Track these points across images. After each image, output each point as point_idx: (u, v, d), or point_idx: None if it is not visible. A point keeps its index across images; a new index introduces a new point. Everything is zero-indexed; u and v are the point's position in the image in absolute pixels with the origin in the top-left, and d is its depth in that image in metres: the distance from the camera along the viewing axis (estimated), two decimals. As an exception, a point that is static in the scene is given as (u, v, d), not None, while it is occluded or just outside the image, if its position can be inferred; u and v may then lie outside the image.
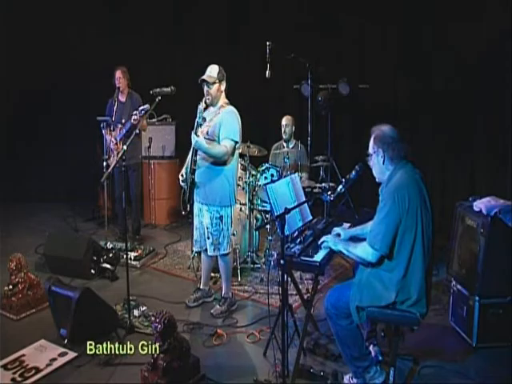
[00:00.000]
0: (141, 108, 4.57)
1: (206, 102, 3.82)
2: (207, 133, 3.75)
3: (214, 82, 3.76)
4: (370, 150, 2.79)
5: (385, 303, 2.68)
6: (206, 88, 3.78)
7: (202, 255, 4.15)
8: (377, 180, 2.85)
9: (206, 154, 3.72)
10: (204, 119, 3.74)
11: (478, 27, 5.21)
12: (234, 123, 3.78)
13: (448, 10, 5.51)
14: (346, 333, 2.82)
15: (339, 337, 2.88)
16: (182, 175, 3.96)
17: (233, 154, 3.81)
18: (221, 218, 3.84)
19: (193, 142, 3.65)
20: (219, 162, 3.76)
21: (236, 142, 3.79)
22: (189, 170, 3.84)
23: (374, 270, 2.73)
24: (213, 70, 3.79)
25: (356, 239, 3.03)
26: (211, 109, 3.88)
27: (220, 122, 3.74)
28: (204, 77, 3.76)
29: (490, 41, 5.14)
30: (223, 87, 3.84)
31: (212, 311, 3.97)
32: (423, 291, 2.66)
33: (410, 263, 2.64)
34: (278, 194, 3.27)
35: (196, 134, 3.67)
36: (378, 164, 2.77)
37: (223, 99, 3.87)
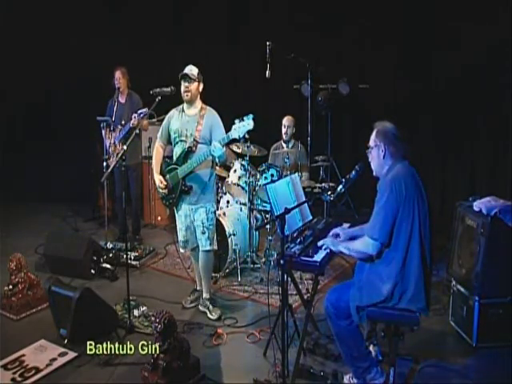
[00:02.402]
0: (139, 111, 4.58)
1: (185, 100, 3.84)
2: (199, 138, 3.77)
3: (195, 80, 3.78)
4: (371, 143, 2.82)
5: (383, 297, 2.68)
6: (185, 84, 3.77)
7: (193, 257, 4.18)
8: (374, 174, 2.87)
9: (223, 160, 3.88)
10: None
11: (478, 27, 5.21)
12: (222, 126, 3.85)
13: (448, 10, 5.51)
14: (346, 333, 2.83)
15: (339, 337, 2.88)
16: (162, 181, 3.87)
17: None
18: (214, 212, 3.97)
19: (217, 153, 3.59)
20: (207, 164, 3.83)
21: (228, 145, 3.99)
22: (180, 177, 3.80)
23: (373, 268, 2.74)
24: (193, 69, 3.82)
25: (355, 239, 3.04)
26: (189, 111, 3.86)
27: (211, 124, 3.78)
28: (186, 72, 3.76)
29: (489, 41, 5.15)
30: (201, 88, 3.87)
31: (210, 317, 3.92)
32: (421, 285, 2.67)
33: (407, 254, 2.66)
34: (278, 194, 3.28)
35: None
36: (378, 158, 2.80)
37: (200, 100, 3.90)
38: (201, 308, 4.05)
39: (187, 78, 3.75)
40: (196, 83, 3.79)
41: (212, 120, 3.80)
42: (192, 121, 3.82)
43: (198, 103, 3.88)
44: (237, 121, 3.54)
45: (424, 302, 2.69)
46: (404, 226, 2.64)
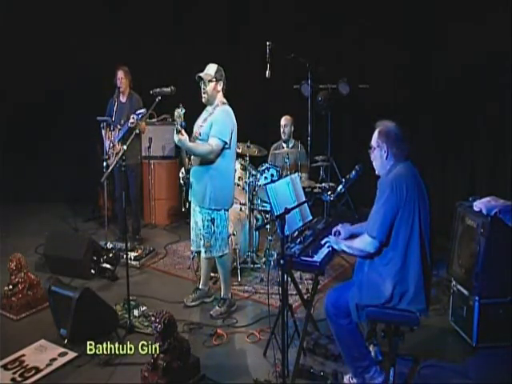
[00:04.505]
0: (138, 112, 4.57)
1: (203, 101, 3.83)
2: (200, 133, 3.76)
3: (211, 81, 3.75)
4: (374, 143, 2.80)
5: (384, 299, 2.68)
6: (202, 86, 3.78)
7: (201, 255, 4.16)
8: (376, 173, 2.86)
9: (190, 152, 3.74)
10: (183, 125, 3.61)
11: (478, 27, 5.21)
12: (225, 122, 3.72)
13: (448, 9, 5.51)
14: (346, 333, 2.83)
15: (339, 336, 2.88)
16: (182, 172, 3.95)
17: (223, 154, 3.74)
18: (212, 220, 3.80)
19: (176, 141, 3.64)
20: (207, 161, 3.72)
21: (225, 142, 3.70)
22: (187, 169, 3.85)
23: (373, 267, 2.74)
24: (210, 69, 3.79)
25: (356, 237, 3.03)
26: (208, 108, 3.88)
27: (212, 121, 3.73)
28: (201, 74, 3.76)
29: (489, 41, 5.14)
30: (220, 87, 3.80)
31: (211, 312, 3.96)
32: (421, 286, 2.67)
33: (406, 255, 2.66)
34: (278, 194, 3.27)
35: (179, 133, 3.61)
36: (381, 159, 2.78)
37: (220, 99, 3.83)
38: (218, 308, 4.00)
39: (202, 80, 3.75)
40: (213, 83, 3.75)
41: (215, 117, 3.73)
42: (203, 117, 3.83)
43: (217, 101, 3.82)
44: None
45: (424, 303, 2.69)
46: (404, 226, 2.64)
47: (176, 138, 3.61)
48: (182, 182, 3.97)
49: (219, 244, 3.86)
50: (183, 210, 4.15)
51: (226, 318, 3.93)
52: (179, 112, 3.54)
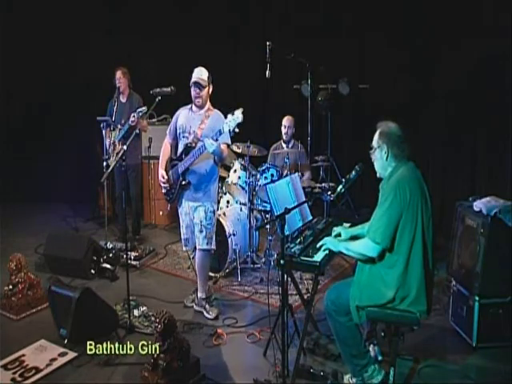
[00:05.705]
0: (138, 110, 4.59)
1: (195, 104, 3.89)
2: (203, 135, 3.77)
3: (205, 86, 3.81)
4: (374, 144, 2.79)
5: (385, 301, 2.68)
6: (197, 90, 3.81)
7: (195, 256, 4.19)
8: (378, 175, 2.85)
9: (219, 157, 3.82)
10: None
11: (478, 28, 5.21)
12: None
13: (448, 9, 5.51)
14: (345, 330, 2.83)
15: (338, 334, 2.88)
16: (164, 177, 3.95)
17: None
18: (213, 212, 3.95)
19: (210, 148, 3.60)
20: (209, 162, 3.86)
21: (228, 146, 3.98)
22: (180, 172, 3.85)
23: (374, 269, 2.73)
24: (203, 73, 3.82)
25: (356, 239, 3.03)
26: (196, 111, 3.90)
27: (215, 126, 3.74)
28: (197, 80, 3.79)
29: (490, 42, 5.14)
30: (211, 90, 3.90)
31: (208, 316, 3.94)
32: (423, 288, 2.67)
33: (409, 258, 2.65)
34: (278, 194, 3.28)
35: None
36: (381, 159, 2.77)
37: (208, 102, 3.93)
38: (196, 308, 4.04)
39: (198, 85, 3.78)
40: (207, 88, 3.83)
41: (217, 122, 3.76)
42: (197, 118, 3.86)
43: (208, 104, 3.92)
44: (229, 115, 3.54)
45: (425, 305, 2.68)
46: (407, 230, 2.63)
47: (213, 146, 3.58)
48: (165, 185, 3.97)
49: (214, 237, 3.99)
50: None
51: (219, 312, 3.94)
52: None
